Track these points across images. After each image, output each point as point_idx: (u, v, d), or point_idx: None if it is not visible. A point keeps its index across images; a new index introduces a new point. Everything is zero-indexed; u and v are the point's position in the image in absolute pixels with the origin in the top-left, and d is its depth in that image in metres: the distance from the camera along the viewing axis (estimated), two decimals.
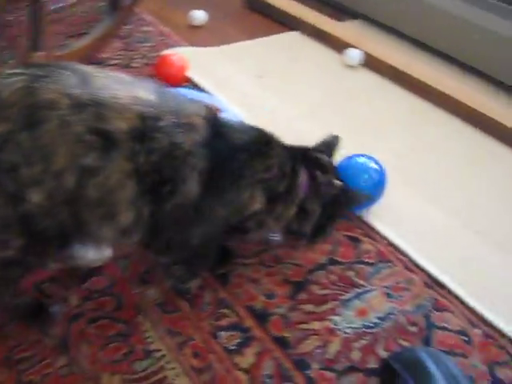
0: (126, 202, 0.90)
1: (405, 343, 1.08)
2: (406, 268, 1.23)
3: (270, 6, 2.38)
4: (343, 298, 1.15)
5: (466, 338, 1.10)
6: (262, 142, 1.07)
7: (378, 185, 1.32)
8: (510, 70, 1.88)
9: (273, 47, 2.12)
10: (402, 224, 1.34)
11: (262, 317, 1.10)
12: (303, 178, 1.11)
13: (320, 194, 1.13)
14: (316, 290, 1.16)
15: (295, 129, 1.59)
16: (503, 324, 1.13)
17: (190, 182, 0.95)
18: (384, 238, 1.30)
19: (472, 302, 1.17)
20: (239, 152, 1.02)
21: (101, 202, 0.90)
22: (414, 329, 1.11)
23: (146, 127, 0.89)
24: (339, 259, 1.23)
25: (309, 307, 1.13)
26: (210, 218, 1.01)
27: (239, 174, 1.02)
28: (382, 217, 1.35)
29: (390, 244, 1.28)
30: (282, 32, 2.26)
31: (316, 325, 1.09)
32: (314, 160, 1.15)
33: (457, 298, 1.18)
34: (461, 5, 2.05)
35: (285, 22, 2.32)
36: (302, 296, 1.15)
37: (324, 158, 1.17)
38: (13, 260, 0.94)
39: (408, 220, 1.36)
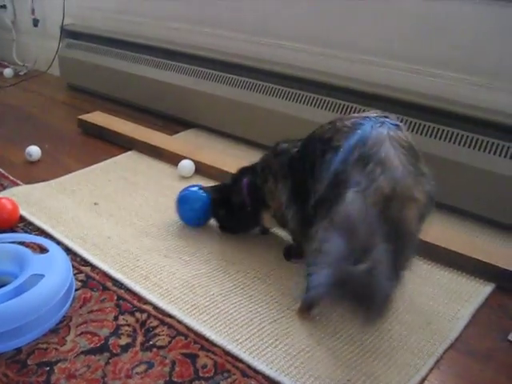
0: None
1: None
2: (244, 375, 1.24)
3: (103, 129, 2.44)
4: None
5: None
6: None
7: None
8: None
9: (109, 170, 2.16)
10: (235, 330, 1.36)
11: None
12: None
13: None
14: None
15: (124, 249, 1.64)
16: None
17: None
18: (218, 346, 1.31)
19: None
20: None
21: None
22: None
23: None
24: (176, 380, 1.23)
25: None
26: None
27: None
28: (214, 326, 1.37)
29: (227, 353, 1.29)
30: (119, 154, 2.31)
31: None
32: None
33: None
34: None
35: (120, 143, 2.37)
36: None
37: None
38: None
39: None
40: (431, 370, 1.28)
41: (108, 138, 2.43)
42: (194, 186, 1.81)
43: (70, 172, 2.17)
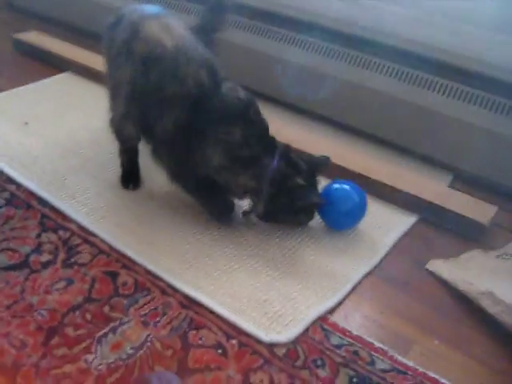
0: None
1: (160, 368, 1.10)
2: (163, 293, 1.26)
3: (39, 49, 2.36)
4: (98, 334, 1.15)
5: (221, 351, 1.14)
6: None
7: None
8: None
9: (43, 91, 2.10)
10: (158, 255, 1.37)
11: (12, 370, 1.07)
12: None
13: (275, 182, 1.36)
14: (70, 331, 1.15)
15: (52, 169, 1.62)
16: (255, 329, 1.18)
17: None
18: (139, 265, 1.32)
19: (227, 314, 1.21)
20: None
21: None
22: (169, 352, 1.13)
23: None
24: (95, 297, 1.23)
25: (62, 351, 1.11)
26: None
27: None
28: (136, 248, 1.37)
29: (148, 272, 1.30)
30: (54, 75, 2.24)
31: (68, 367, 1.08)
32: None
33: (213, 313, 1.22)
34: None
35: (56, 64, 2.30)
36: (56, 341, 1.13)
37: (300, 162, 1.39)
38: None
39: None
40: (349, 293, 1.32)
41: (44, 58, 2.35)
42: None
43: (1, 91, 2.10)
